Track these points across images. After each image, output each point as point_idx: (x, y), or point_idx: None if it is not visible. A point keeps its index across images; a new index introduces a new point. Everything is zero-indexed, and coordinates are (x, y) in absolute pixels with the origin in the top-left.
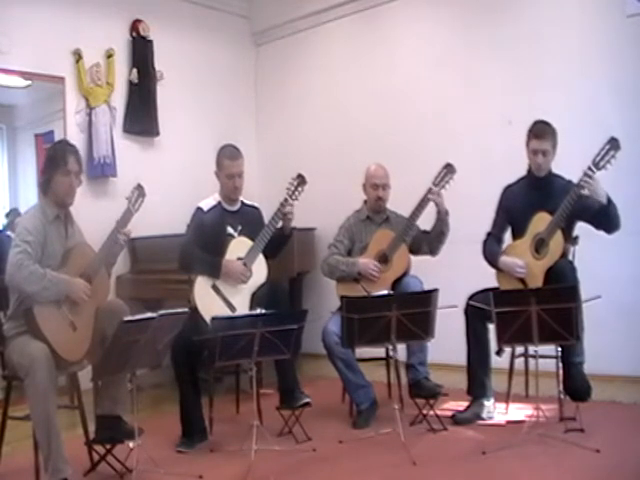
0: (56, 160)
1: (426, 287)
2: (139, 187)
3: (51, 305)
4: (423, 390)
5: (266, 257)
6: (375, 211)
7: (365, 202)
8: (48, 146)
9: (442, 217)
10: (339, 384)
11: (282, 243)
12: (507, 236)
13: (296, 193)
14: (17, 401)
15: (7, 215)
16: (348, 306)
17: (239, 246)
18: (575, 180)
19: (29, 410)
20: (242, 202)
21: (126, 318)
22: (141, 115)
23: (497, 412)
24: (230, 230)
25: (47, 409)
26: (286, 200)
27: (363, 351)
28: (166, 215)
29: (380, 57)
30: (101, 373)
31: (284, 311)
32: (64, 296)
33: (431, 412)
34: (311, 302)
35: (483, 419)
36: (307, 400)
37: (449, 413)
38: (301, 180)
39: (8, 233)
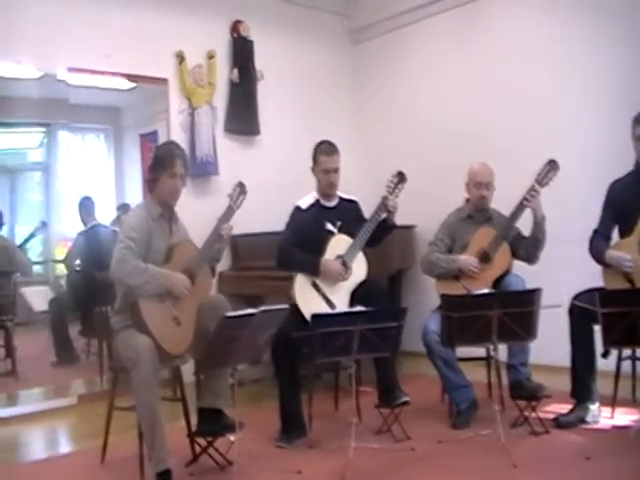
0: (164, 162)
1: (528, 286)
2: (240, 185)
3: (155, 299)
4: (525, 391)
5: (368, 245)
6: (478, 210)
7: (467, 200)
8: (155, 145)
9: (538, 222)
10: (438, 383)
11: (385, 233)
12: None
13: (396, 191)
14: (123, 392)
15: (118, 208)
16: (448, 305)
17: (339, 244)
18: None
19: (134, 401)
20: (340, 197)
21: (228, 314)
22: (242, 114)
23: (602, 416)
24: (329, 226)
25: (151, 401)
26: (386, 197)
27: (463, 350)
28: (266, 212)
29: (482, 52)
30: (203, 367)
31: (384, 309)
32: (166, 290)
33: (533, 414)
34: (411, 300)
35: (587, 423)
36: (406, 399)
37: (552, 416)
38: (401, 177)
39: (114, 228)
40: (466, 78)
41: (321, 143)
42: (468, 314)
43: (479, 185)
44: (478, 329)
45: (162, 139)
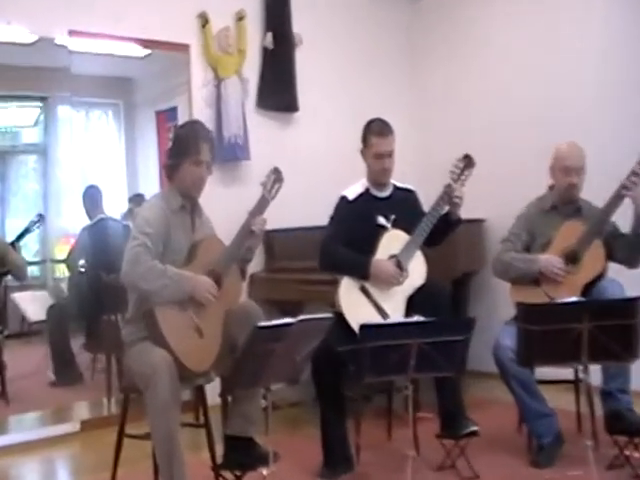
0: (187, 146)
1: (628, 294)
2: (276, 171)
3: (175, 306)
4: (625, 424)
5: (427, 245)
6: (564, 200)
7: (551, 188)
8: (175, 125)
9: None
10: (514, 410)
11: (447, 231)
12: None
13: (462, 178)
14: (135, 417)
15: (130, 200)
16: (526, 315)
17: (393, 241)
18: None
19: (149, 427)
20: (394, 186)
21: (260, 323)
22: (277, 87)
23: None
24: (381, 220)
25: (169, 426)
26: (449, 186)
27: (545, 371)
28: (306, 204)
29: (568, 8)
30: (231, 387)
31: (447, 319)
32: (187, 296)
33: (636, 453)
34: (479, 309)
35: None
36: (474, 428)
37: None
38: (468, 162)
39: (126, 223)
40: (550, 40)
41: (372, 122)
42: (551, 327)
43: (567, 170)
44: (564, 346)
45: (182, 117)
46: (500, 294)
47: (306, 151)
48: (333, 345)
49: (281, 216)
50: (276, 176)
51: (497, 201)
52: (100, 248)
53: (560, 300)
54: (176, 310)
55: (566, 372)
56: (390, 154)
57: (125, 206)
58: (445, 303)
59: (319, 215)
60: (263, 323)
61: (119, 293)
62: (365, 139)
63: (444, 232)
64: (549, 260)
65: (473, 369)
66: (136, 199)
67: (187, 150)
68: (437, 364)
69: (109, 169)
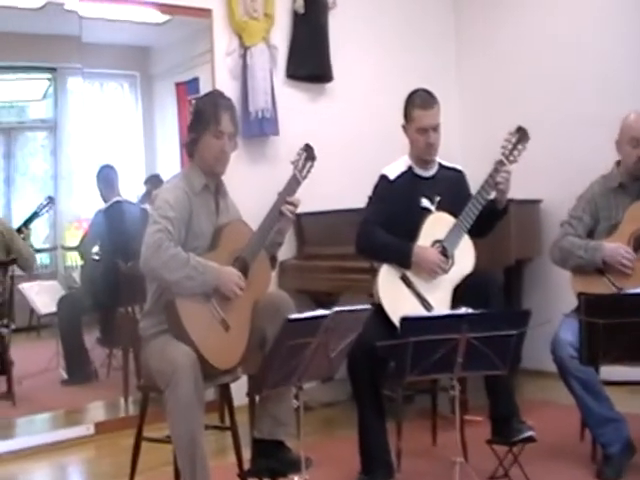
0: (205, 117)
1: None
2: (308, 148)
3: (198, 298)
4: None
5: (472, 235)
6: (634, 177)
7: (618, 164)
8: (194, 97)
9: None
10: (576, 414)
11: (493, 220)
12: None
13: (515, 153)
14: (155, 418)
15: (146, 182)
16: (589, 307)
17: (437, 225)
18: None
19: (169, 430)
20: (440, 164)
21: (291, 316)
22: (309, 55)
23: None
24: (425, 202)
25: (192, 429)
26: (501, 162)
27: (611, 370)
28: (342, 184)
29: None
30: (260, 386)
31: (498, 311)
32: (211, 289)
33: None
34: (535, 300)
35: None
36: (530, 433)
37: None
38: (522, 135)
39: (145, 206)
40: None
41: (415, 93)
42: (619, 320)
43: (636, 142)
44: (633, 341)
45: (205, 89)
46: (559, 283)
47: (341, 125)
48: (371, 340)
49: (314, 198)
50: (308, 153)
51: (555, 179)
52: (116, 234)
53: (628, 291)
54: (199, 302)
55: (637, 372)
56: (435, 128)
57: (142, 188)
58: (496, 293)
59: (355, 197)
60: (294, 315)
61: (137, 283)
62: (407, 112)
63: (489, 222)
64: (615, 249)
65: (528, 367)
66: (153, 180)
67: (206, 122)
68: (487, 361)
69: (125, 147)
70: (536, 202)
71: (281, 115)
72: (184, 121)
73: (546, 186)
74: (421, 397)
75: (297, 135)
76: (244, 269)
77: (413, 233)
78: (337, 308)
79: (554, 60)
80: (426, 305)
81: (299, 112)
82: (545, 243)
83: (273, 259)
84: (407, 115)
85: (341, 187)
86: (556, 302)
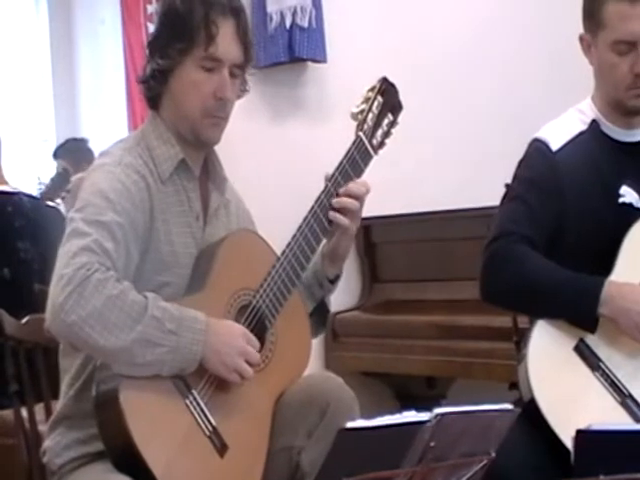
0: (186, 28)
1: None
2: (386, 85)
3: (164, 387)
4: None
5: None
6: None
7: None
8: None
9: None
10: None
11: None
12: None
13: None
14: None
15: (55, 155)
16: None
17: None
18: None
19: None
20: None
21: (352, 423)
22: None
23: None
24: (630, 194)
25: None
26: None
27: None
28: (449, 162)
29: None
30: None
31: None
32: (192, 367)
33: None
34: None
35: None
36: None
37: None
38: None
39: (55, 204)
40: None
41: None
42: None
43: (627, 46)
44: None
45: None
46: None
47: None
48: (515, 467)
49: (394, 191)
50: (386, 97)
51: None
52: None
53: None
54: (167, 395)
55: None
56: None
57: (52, 168)
58: None
59: (474, 187)
60: (357, 423)
61: (36, 359)
62: (593, 10)
63: None
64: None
65: None
66: (72, 150)
67: (188, 37)
68: None
69: (18, 85)
70: None
71: (330, 26)
72: (137, 37)
73: None
74: None
75: (361, 61)
76: (259, 328)
77: (605, 257)
78: (444, 409)
79: None
80: (629, 405)
81: (368, 20)
82: None
83: (319, 310)
84: (592, 16)
85: (449, 168)
86: None
